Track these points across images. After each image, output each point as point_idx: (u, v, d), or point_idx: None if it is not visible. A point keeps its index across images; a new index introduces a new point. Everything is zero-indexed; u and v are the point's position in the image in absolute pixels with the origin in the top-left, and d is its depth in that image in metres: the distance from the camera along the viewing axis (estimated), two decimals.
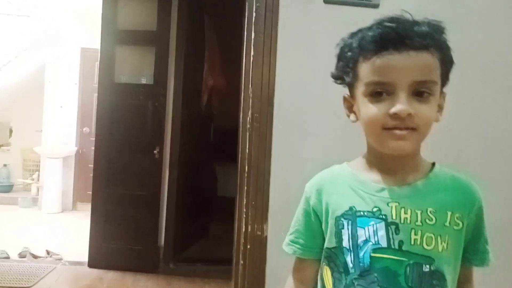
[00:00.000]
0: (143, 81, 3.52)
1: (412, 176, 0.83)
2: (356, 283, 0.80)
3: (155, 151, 3.35)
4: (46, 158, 5.46)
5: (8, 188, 6.02)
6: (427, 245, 0.79)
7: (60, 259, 3.47)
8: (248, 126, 1.58)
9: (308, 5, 1.62)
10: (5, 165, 6.12)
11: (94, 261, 3.33)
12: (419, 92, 0.77)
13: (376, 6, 1.60)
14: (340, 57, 0.86)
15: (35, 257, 3.48)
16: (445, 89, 0.84)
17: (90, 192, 3.50)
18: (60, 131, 5.53)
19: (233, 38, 3.10)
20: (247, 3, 1.64)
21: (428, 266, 0.78)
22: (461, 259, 0.85)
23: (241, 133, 1.67)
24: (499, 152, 1.72)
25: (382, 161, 0.84)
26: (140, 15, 3.50)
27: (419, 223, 0.79)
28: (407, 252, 0.78)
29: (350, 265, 0.81)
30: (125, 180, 3.39)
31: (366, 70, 0.79)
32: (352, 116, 0.87)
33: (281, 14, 1.59)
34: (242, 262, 1.65)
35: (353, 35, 0.84)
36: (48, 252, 3.57)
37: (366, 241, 0.80)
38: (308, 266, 0.93)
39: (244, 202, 1.62)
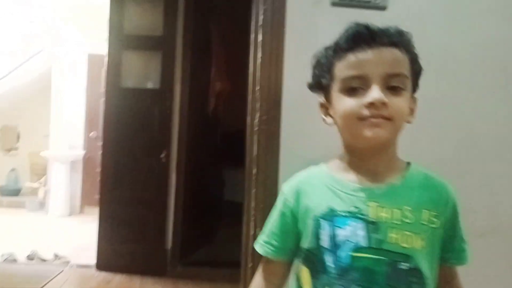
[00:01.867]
0: (150, 85, 3.53)
1: (388, 175, 0.85)
2: (336, 283, 0.81)
3: (162, 155, 3.36)
4: (53, 162, 5.50)
5: (16, 192, 6.06)
6: (404, 243, 0.80)
7: (68, 262, 3.48)
8: (256, 128, 1.58)
9: (315, 7, 1.62)
10: (13, 169, 6.17)
11: (102, 264, 3.34)
12: (392, 86, 0.81)
13: (383, 8, 1.59)
14: (316, 65, 0.91)
15: (43, 260, 3.50)
16: (416, 95, 0.88)
17: (98, 196, 3.52)
18: (67, 135, 5.56)
19: (239, 42, 3.11)
20: (254, 6, 1.64)
21: (406, 264, 0.79)
22: (440, 258, 0.87)
23: (248, 136, 1.67)
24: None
25: (357, 160, 0.87)
26: (146, 20, 3.52)
27: (397, 221, 0.81)
28: (386, 251, 0.80)
29: (330, 265, 0.82)
30: (132, 184, 3.41)
31: (341, 68, 0.84)
32: (329, 119, 0.90)
33: (288, 16, 1.59)
34: (250, 265, 1.64)
35: (327, 47, 0.90)
36: (56, 255, 3.58)
37: (345, 240, 0.81)
38: (277, 266, 0.95)
39: (252, 205, 1.60)
